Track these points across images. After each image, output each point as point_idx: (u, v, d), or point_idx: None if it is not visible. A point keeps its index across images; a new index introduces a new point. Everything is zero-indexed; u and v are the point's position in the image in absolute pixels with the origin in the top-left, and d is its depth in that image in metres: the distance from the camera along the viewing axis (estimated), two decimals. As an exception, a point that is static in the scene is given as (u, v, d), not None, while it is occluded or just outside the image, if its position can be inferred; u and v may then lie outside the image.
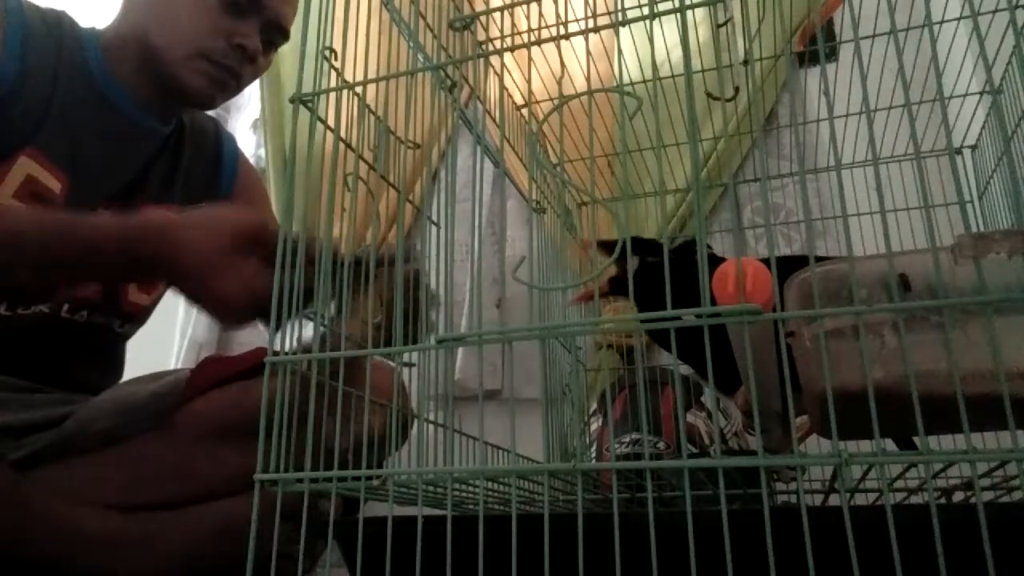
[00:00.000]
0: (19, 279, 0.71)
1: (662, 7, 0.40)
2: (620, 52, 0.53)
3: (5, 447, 0.67)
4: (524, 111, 0.84)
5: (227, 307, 0.64)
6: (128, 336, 0.95)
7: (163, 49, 0.82)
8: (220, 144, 1.01)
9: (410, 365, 0.46)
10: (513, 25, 0.62)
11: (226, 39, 0.83)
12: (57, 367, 0.83)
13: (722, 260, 0.37)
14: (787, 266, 0.41)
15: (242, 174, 1.03)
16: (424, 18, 0.51)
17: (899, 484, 0.63)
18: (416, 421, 0.49)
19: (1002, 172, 0.82)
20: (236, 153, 1.04)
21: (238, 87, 0.89)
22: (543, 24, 0.62)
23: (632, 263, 0.71)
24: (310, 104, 0.46)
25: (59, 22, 0.83)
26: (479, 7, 0.53)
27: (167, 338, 1.81)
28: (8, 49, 0.76)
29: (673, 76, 0.82)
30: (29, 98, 0.77)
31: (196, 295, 0.66)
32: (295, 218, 0.53)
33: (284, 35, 0.89)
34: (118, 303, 0.88)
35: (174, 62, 0.83)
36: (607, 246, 0.69)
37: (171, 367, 1.77)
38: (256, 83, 1.99)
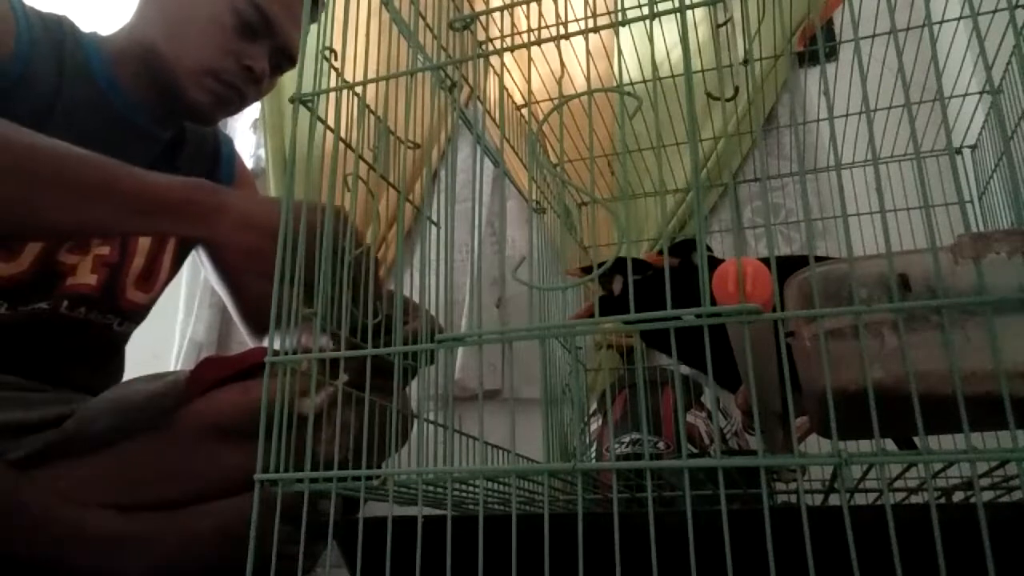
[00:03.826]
0: (49, 219, 0.67)
1: (662, 7, 0.40)
2: (620, 52, 0.53)
3: (5, 447, 0.67)
4: (524, 111, 0.84)
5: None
6: (127, 335, 0.95)
7: (174, 62, 0.84)
8: (218, 148, 1.03)
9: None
10: (513, 25, 0.62)
11: (236, 60, 0.85)
12: (58, 367, 0.83)
13: (720, 261, 0.37)
14: (787, 266, 0.41)
15: (239, 178, 1.05)
16: (424, 18, 0.51)
17: (899, 484, 0.63)
18: (416, 422, 0.50)
19: (1002, 172, 0.82)
20: (233, 156, 1.05)
21: (240, 107, 0.91)
22: (543, 24, 0.62)
23: (617, 284, 0.71)
24: (310, 104, 0.46)
25: (60, 25, 0.84)
26: (479, 7, 0.53)
27: (167, 338, 1.81)
28: (17, 46, 0.77)
29: (673, 76, 0.82)
30: (34, 97, 0.77)
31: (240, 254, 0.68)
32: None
33: (291, 62, 0.92)
34: (116, 299, 0.88)
35: (183, 76, 0.84)
36: (590, 271, 0.70)
37: (171, 367, 1.78)
38: (256, 83, 1.99)
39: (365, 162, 0.50)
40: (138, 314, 0.94)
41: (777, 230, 1.47)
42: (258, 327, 1.04)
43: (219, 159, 1.02)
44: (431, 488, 0.44)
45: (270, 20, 0.86)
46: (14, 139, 0.65)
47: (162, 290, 0.97)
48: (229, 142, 1.05)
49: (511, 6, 0.47)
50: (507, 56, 0.50)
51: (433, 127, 0.50)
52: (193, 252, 1.04)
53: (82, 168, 0.66)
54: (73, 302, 0.83)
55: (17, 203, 0.64)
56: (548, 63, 0.66)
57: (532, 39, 0.48)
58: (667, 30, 0.57)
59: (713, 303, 0.34)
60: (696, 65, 0.78)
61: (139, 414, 0.71)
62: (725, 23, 0.62)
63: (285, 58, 0.90)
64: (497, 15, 0.50)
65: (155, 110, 0.88)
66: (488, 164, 1.17)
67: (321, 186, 0.47)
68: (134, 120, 0.87)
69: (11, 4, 0.78)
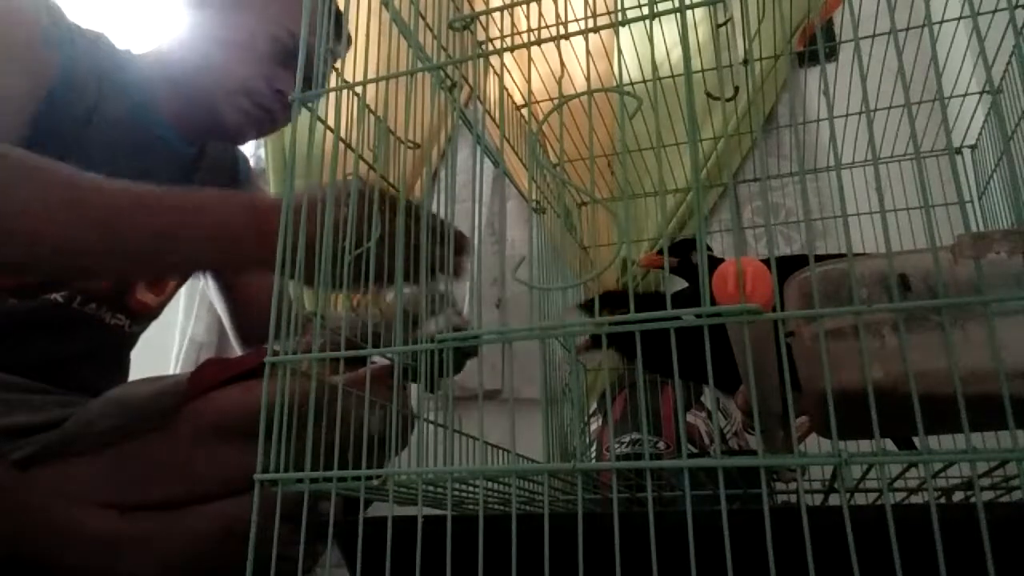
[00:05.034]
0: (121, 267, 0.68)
1: (662, 7, 0.40)
2: (620, 52, 0.53)
3: (7, 447, 0.67)
4: (524, 111, 0.84)
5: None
6: (136, 337, 0.96)
7: (210, 83, 0.87)
8: (236, 165, 1.06)
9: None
10: (513, 25, 0.62)
11: (269, 84, 0.88)
12: (67, 367, 0.84)
13: (720, 261, 0.37)
14: (787, 266, 0.41)
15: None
16: (424, 18, 0.51)
17: (899, 484, 0.63)
18: (416, 425, 0.49)
19: (1002, 172, 0.82)
20: (250, 177, 1.09)
21: (270, 129, 0.94)
22: (543, 24, 0.62)
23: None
24: (310, 104, 0.46)
25: (97, 42, 0.86)
26: (479, 7, 0.53)
27: (167, 338, 1.81)
28: (60, 53, 0.78)
29: (673, 76, 0.82)
30: (73, 110, 0.79)
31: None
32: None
33: None
34: (125, 298, 0.89)
35: (218, 97, 0.87)
36: (584, 307, 0.71)
37: (171, 367, 1.78)
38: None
39: (365, 162, 0.50)
40: (147, 316, 0.95)
41: (777, 230, 1.47)
42: (252, 338, 1.06)
43: (237, 176, 1.05)
44: (431, 488, 0.44)
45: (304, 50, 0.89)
46: (93, 188, 0.65)
47: (173, 294, 0.99)
48: (246, 161, 1.09)
49: (511, 6, 0.47)
50: (507, 56, 0.50)
51: (433, 127, 0.50)
52: None
53: (157, 212, 0.66)
54: (85, 298, 0.84)
55: (93, 253, 0.64)
56: (548, 63, 0.66)
57: (532, 39, 0.48)
58: (667, 30, 0.57)
59: (713, 303, 0.34)
60: (696, 65, 0.78)
61: (140, 414, 0.71)
62: (725, 23, 0.62)
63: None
64: (497, 15, 0.50)
65: (185, 127, 0.91)
66: (488, 164, 1.17)
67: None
68: (163, 136, 0.89)
69: (55, 20, 0.80)
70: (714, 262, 0.35)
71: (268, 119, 0.91)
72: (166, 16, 0.92)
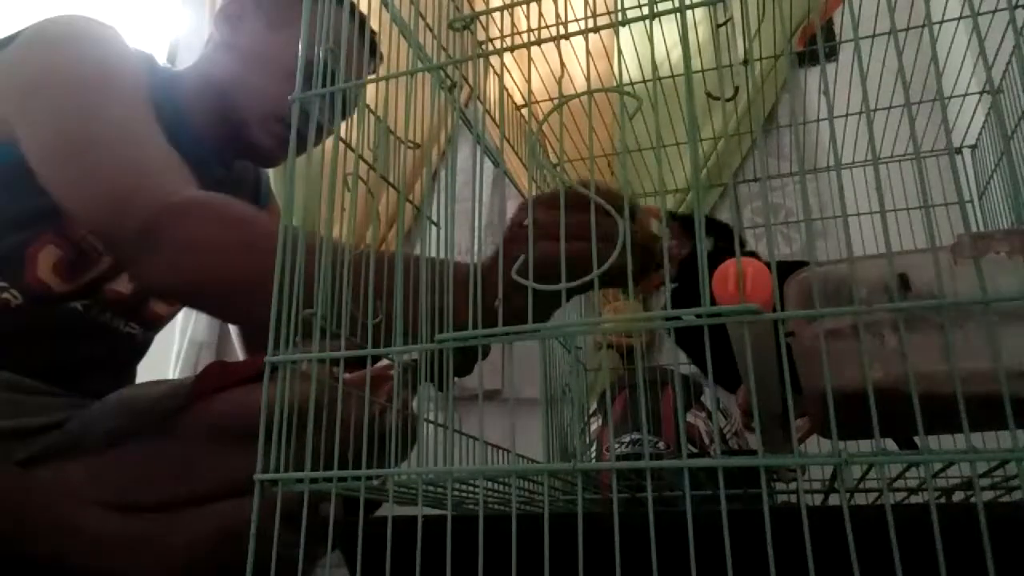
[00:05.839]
0: None
1: (662, 7, 0.40)
2: (620, 52, 0.53)
3: (10, 447, 0.67)
4: (524, 111, 0.84)
5: None
6: (146, 346, 0.98)
7: (243, 107, 0.88)
8: (259, 183, 1.07)
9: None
10: (513, 25, 0.62)
11: None
12: (77, 372, 0.84)
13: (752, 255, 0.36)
14: (787, 270, 0.41)
15: (271, 213, 1.09)
16: (424, 18, 0.51)
17: (899, 484, 0.63)
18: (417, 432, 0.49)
19: (1002, 172, 0.82)
20: (270, 192, 1.10)
21: (304, 151, 0.95)
22: (543, 24, 0.62)
23: (707, 243, 0.70)
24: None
25: (151, 63, 0.87)
26: (479, 7, 0.53)
27: (167, 338, 1.81)
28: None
29: (673, 76, 0.82)
30: None
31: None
32: (295, 218, 0.53)
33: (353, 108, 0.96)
34: (141, 309, 0.90)
35: (251, 120, 0.88)
36: (683, 221, 0.69)
37: (171, 367, 1.78)
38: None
39: (365, 162, 0.50)
40: (160, 324, 0.97)
41: (777, 230, 1.47)
42: (257, 344, 1.07)
43: (259, 194, 1.06)
44: (431, 488, 0.44)
45: (334, 70, 0.89)
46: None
47: (183, 305, 1.00)
48: (267, 178, 1.09)
49: (511, 6, 0.47)
50: (507, 56, 0.50)
51: (433, 127, 0.50)
52: None
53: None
54: (102, 306, 0.85)
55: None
56: (548, 63, 0.66)
57: (532, 39, 0.48)
58: (667, 30, 0.57)
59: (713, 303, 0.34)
60: (696, 65, 0.78)
61: (143, 415, 0.71)
62: (725, 23, 0.62)
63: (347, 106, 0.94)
64: (497, 15, 0.50)
65: (220, 149, 0.91)
66: (488, 164, 1.17)
67: (321, 186, 0.47)
68: (199, 160, 0.89)
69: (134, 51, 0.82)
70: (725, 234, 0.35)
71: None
72: (204, 32, 0.92)
